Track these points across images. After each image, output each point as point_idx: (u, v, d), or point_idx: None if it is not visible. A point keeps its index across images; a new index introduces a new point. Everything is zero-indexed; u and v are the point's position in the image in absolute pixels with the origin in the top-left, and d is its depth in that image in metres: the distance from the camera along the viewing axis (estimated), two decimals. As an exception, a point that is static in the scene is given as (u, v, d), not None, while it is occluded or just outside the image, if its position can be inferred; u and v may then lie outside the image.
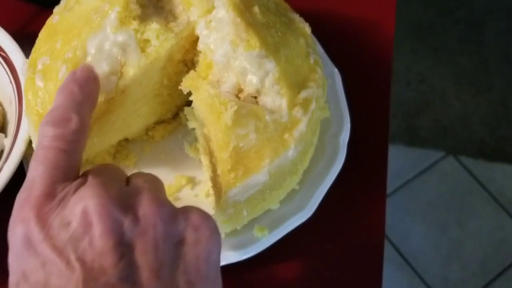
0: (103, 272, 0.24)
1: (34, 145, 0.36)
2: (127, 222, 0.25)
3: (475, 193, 1.33)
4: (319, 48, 0.46)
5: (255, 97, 0.35)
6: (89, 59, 0.34)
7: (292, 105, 0.35)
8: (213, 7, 0.36)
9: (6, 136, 0.41)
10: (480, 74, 1.52)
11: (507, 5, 1.65)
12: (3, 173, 0.37)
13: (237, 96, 0.35)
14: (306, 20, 0.42)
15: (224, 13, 0.35)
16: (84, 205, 0.25)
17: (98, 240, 0.24)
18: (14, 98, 0.41)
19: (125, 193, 0.27)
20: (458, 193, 1.33)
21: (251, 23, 0.35)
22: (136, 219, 0.25)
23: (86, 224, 0.24)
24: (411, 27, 1.59)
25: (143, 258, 0.25)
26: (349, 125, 0.43)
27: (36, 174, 0.26)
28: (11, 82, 0.41)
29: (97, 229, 0.24)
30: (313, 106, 0.37)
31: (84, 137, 0.29)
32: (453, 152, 1.39)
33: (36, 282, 0.24)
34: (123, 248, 0.24)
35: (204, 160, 0.37)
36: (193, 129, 0.39)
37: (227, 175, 0.34)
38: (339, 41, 0.50)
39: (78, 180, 0.27)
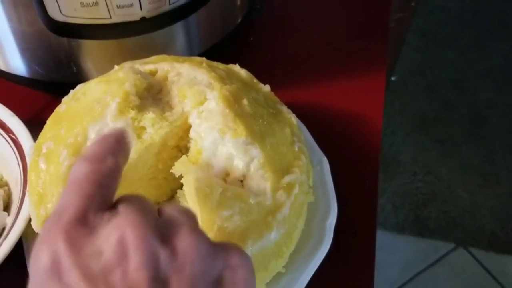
0: None
1: (33, 222, 0.38)
2: (164, 256, 0.23)
3: (488, 287, 1.29)
4: (309, 137, 0.49)
5: (241, 181, 0.38)
6: (89, 144, 0.37)
7: (275, 188, 0.37)
8: (205, 99, 0.39)
9: (9, 215, 0.43)
10: (486, 167, 1.54)
11: (508, 102, 1.70)
12: (1, 250, 0.38)
13: (224, 179, 0.38)
14: (298, 112, 0.45)
15: (214, 105, 0.39)
16: (120, 234, 0.23)
17: (133, 273, 0.22)
18: (20, 179, 0.43)
19: (162, 224, 0.25)
20: (471, 286, 1.29)
21: (239, 114, 0.39)
22: (174, 253, 0.24)
23: (121, 255, 0.23)
24: (416, 120, 1.63)
25: None
26: (336, 210, 0.44)
27: (67, 201, 0.25)
28: (18, 163, 0.44)
29: (133, 261, 0.23)
30: (296, 190, 0.39)
31: (119, 177, 0.27)
32: (463, 244, 1.37)
33: None
34: (157, 284, 0.23)
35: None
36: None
37: (211, 255, 0.35)
38: (330, 131, 0.53)
39: (111, 211, 0.25)
